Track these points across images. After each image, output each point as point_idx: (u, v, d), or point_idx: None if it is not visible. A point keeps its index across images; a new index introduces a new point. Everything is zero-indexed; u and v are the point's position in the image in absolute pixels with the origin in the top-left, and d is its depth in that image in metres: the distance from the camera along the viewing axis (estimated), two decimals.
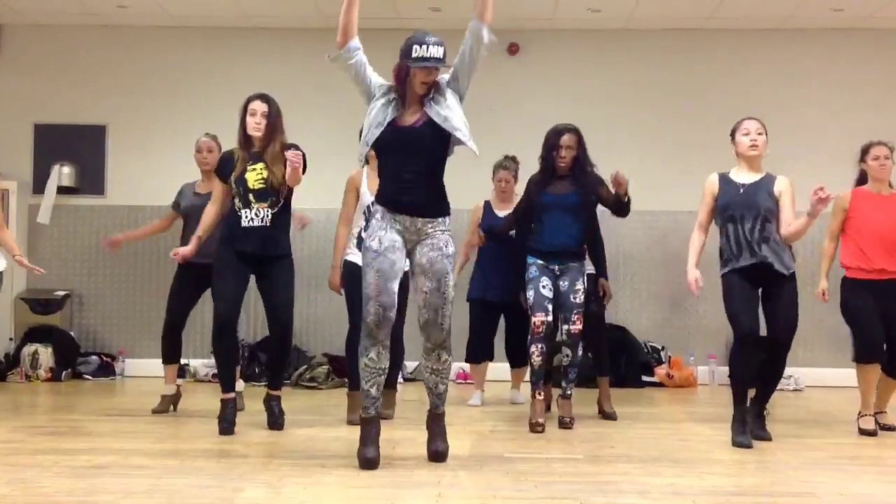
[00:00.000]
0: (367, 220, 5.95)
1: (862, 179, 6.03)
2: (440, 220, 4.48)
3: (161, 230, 6.94)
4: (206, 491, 3.92)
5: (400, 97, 4.44)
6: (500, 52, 9.43)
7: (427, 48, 4.28)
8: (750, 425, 5.25)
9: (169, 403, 6.42)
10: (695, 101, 9.31)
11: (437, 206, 4.49)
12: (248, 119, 5.49)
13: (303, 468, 4.43)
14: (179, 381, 6.71)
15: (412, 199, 4.42)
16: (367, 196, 5.98)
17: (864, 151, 5.98)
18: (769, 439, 5.28)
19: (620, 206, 5.96)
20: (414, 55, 4.31)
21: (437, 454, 4.56)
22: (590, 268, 6.46)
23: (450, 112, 4.40)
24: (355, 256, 5.95)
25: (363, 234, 5.89)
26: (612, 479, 4.27)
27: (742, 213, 5.27)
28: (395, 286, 4.45)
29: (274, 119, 5.52)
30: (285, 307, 5.60)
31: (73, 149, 9.36)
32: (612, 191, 5.89)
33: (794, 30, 9.30)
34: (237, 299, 5.52)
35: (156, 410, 6.38)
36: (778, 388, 8.21)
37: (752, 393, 5.43)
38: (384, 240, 4.43)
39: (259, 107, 5.50)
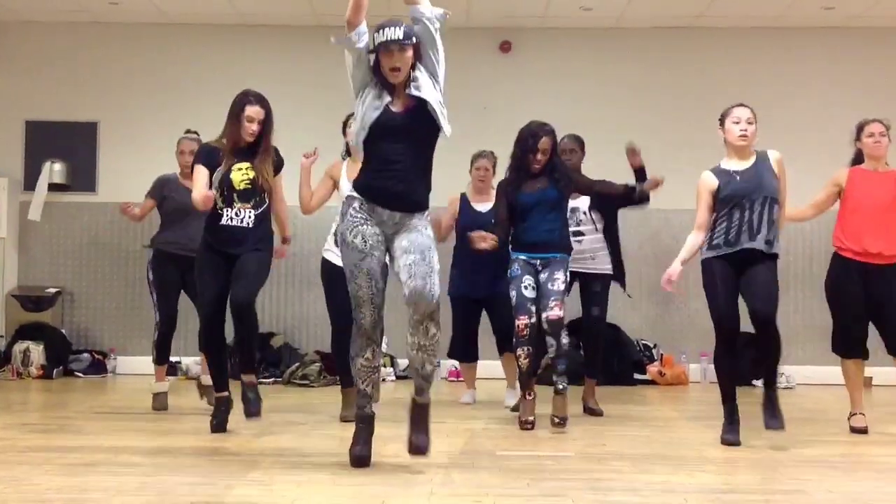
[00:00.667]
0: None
1: (858, 159, 5.88)
2: (418, 214, 4.38)
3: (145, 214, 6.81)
4: (197, 488, 3.91)
5: (390, 87, 4.37)
6: (492, 50, 9.46)
7: (383, 32, 4.26)
8: (763, 415, 5.09)
9: (167, 399, 6.43)
10: (687, 99, 9.33)
11: (418, 201, 4.38)
12: (245, 123, 5.31)
13: (295, 466, 4.43)
14: (170, 378, 6.73)
15: (394, 191, 4.31)
16: (346, 187, 5.97)
17: (859, 129, 5.83)
18: (780, 428, 5.05)
19: (628, 196, 5.91)
20: (376, 42, 4.30)
21: (418, 447, 4.31)
22: (606, 268, 6.41)
23: (422, 90, 4.31)
24: (332, 255, 5.95)
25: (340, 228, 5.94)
26: (603, 476, 4.27)
27: (752, 198, 5.10)
28: (384, 284, 4.39)
29: (268, 127, 5.39)
30: (244, 285, 5.27)
31: (65, 146, 9.35)
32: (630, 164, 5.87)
33: (786, 28, 9.33)
34: (221, 302, 5.37)
35: (157, 408, 6.39)
36: None
37: (744, 391, 5.42)
38: (367, 236, 4.33)
39: (257, 114, 5.32)
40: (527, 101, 9.15)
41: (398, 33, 4.25)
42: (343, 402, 5.99)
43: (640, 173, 6.17)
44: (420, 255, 4.28)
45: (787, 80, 9.33)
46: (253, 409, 5.32)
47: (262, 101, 5.37)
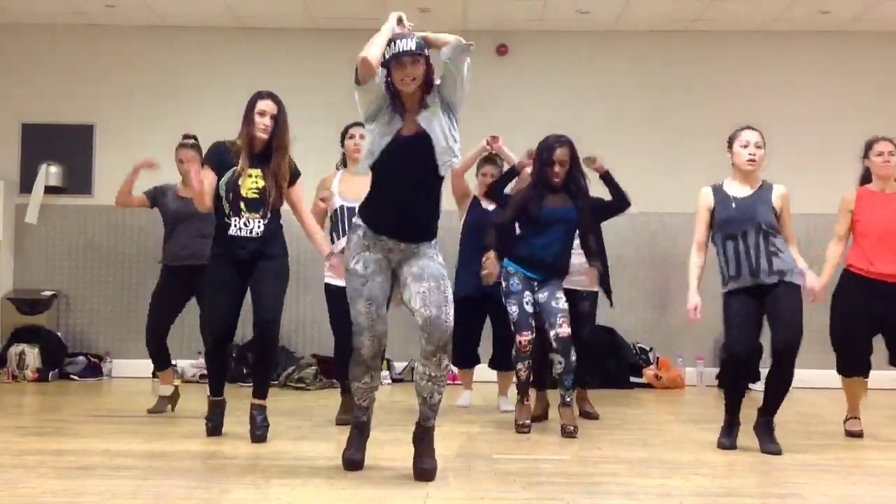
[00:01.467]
0: (334, 224, 5.96)
1: (866, 177, 5.78)
2: (424, 243, 4.32)
3: (132, 203, 6.68)
4: (192, 492, 3.91)
5: (401, 109, 4.30)
6: (489, 53, 9.45)
7: (396, 45, 4.19)
8: (761, 439, 5.09)
9: (166, 404, 6.41)
10: (683, 102, 9.34)
11: (425, 231, 4.32)
12: (257, 119, 5.20)
13: (290, 469, 4.43)
14: (176, 381, 6.72)
15: (399, 222, 4.26)
16: (338, 199, 5.96)
17: (868, 147, 5.72)
18: (778, 453, 4.96)
19: (614, 204, 6.18)
20: (388, 56, 4.23)
21: (424, 472, 4.19)
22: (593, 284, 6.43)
23: (431, 125, 4.27)
24: (331, 279, 5.98)
25: (335, 248, 5.91)
26: (599, 480, 4.28)
27: (744, 228, 5.04)
28: (386, 310, 4.34)
29: (282, 123, 5.27)
30: (269, 306, 5.26)
31: (61, 148, 9.33)
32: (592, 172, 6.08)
33: (782, 32, 9.34)
34: (231, 319, 5.30)
35: (152, 411, 6.36)
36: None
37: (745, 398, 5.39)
38: (369, 262, 4.28)
39: (269, 108, 5.22)
40: (523, 104, 9.16)
41: (410, 45, 4.18)
42: (342, 404, 5.97)
43: (607, 179, 6.26)
44: (435, 284, 4.21)
45: (783, 84, 9.34)
46: (259, 431, 5.23)
47: (273, 97, 5.30)
